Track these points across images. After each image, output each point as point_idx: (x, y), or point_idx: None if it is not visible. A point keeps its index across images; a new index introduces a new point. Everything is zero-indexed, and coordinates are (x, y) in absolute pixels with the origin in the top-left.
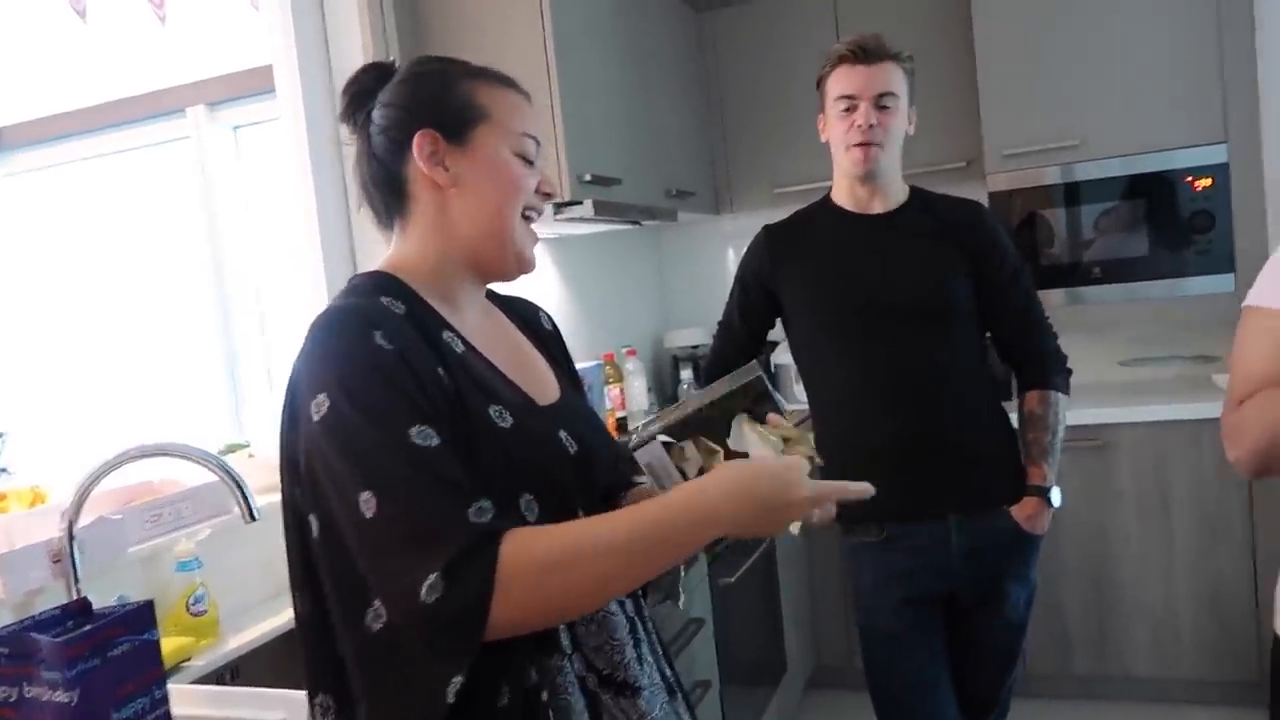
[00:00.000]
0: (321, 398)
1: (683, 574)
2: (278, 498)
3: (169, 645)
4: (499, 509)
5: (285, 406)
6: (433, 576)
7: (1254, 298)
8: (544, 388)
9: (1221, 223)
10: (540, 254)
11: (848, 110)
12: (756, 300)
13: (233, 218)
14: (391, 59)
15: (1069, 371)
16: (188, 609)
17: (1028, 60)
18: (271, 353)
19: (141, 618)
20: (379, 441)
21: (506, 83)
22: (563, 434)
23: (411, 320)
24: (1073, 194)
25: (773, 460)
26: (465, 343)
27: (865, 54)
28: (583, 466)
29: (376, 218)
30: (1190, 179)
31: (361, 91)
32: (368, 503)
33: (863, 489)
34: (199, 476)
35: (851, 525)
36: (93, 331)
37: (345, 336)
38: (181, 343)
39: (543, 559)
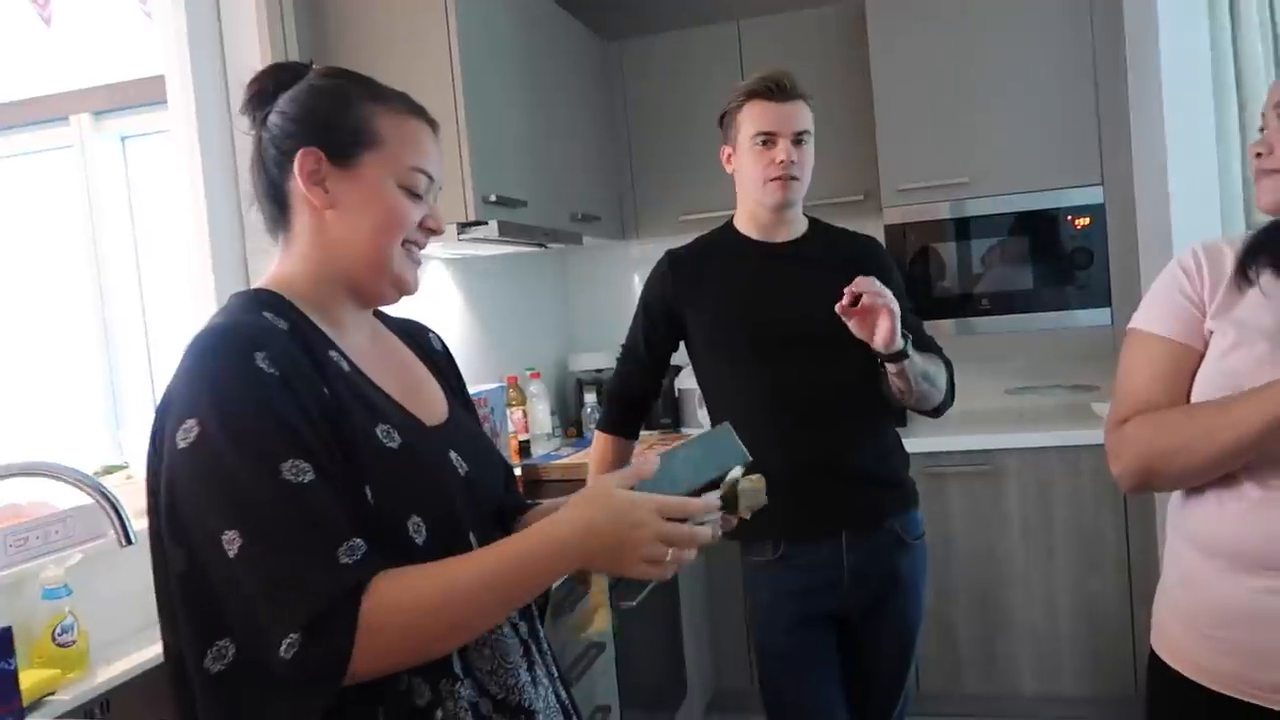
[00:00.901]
0: (191, 423)
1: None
2: None
3: (32, 677)
4: (383, 535)
5: (154, 429)
6: (292, 635)
7: (1137, 321)
8: (433, 408)
9: (1099, 259)
10: (444, 274)
11: (766, 145)
12: (660, 324)
13: (118, 231)
14: (308, 61)
15: (952, 387)
16: (54, 639)
17: (922, 100)
18: (155, 372)
19: None
20: (249, 475)
21: (412, 111)
22: (453, 455)
23: (295, 337)
24: (963, 229)
25: (622, 497)
26: (351, 363)
27: (782, 91)
28: (472, 488)
29: (266, 226)
30: (1071, 218)
31: (263, 91)
32: (231, 542)
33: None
34: (72, 499)
35: (748, 544)
36: None
37: (223, 358)
38: (60, 359)
39: (408, 610)
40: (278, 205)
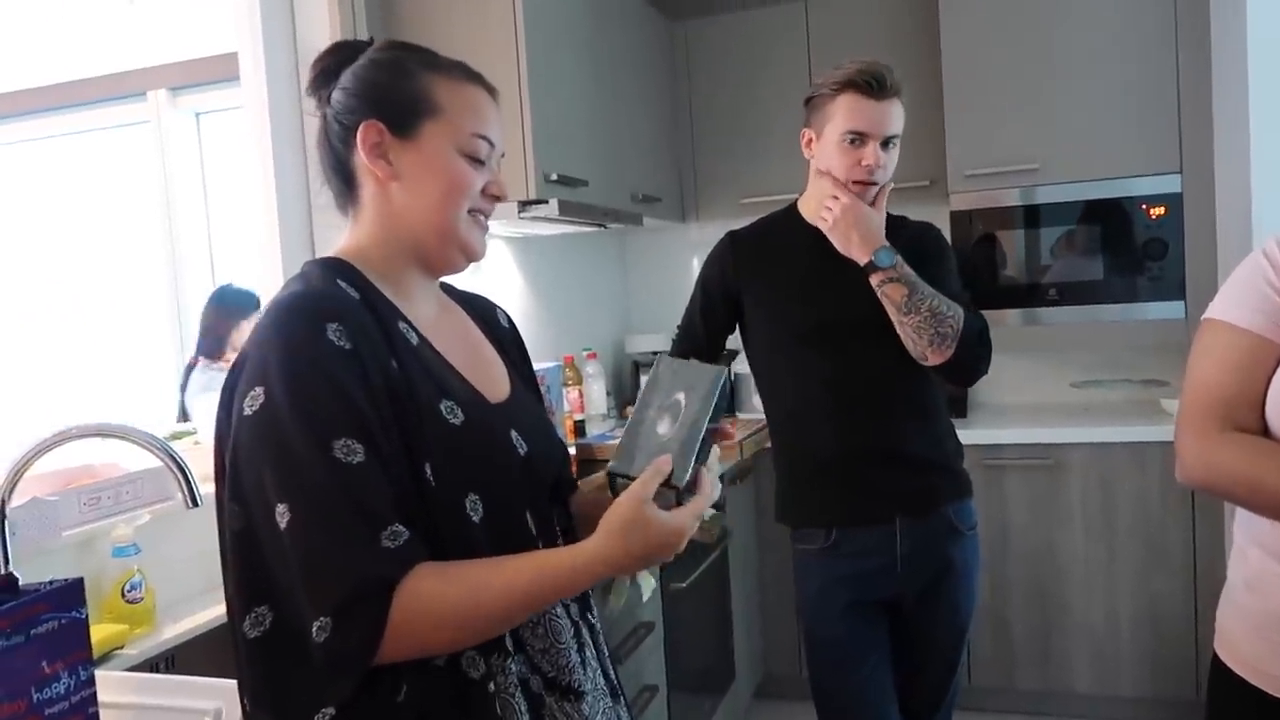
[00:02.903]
0: (258, 391)
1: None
2: None
3: (102, 632)
4: (440, 513)
5: (224, 391)
6: (323, 619)
7: (1215, 311)
8: (496, 385)
9: (1174, 251)
10: (504, 253)
11: (854, 144)
12: (717, 305)
13: (191, 205)
14: (369, 38)
15: (982, 344)
16: (123, 595)
17: (993, 83)
18: None
19: (69, 595)
20: (303, 451)
21: (469, 77)
22: (513, 433)
23: (366, 307)
24: (1032, 216)
25: (658, 527)
26: (419, 334)
27: (882, 88)
28: (531, 467)
29: (335, 202)
30: (1145, 207)
31: (327, 70)
32: (282, 515)
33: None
34: (141, 462)
35: (798, 532)
36: (46, 314)
37: (296, 328)
38: (135, 330)
39: (437, 613)
40: (344, 180)
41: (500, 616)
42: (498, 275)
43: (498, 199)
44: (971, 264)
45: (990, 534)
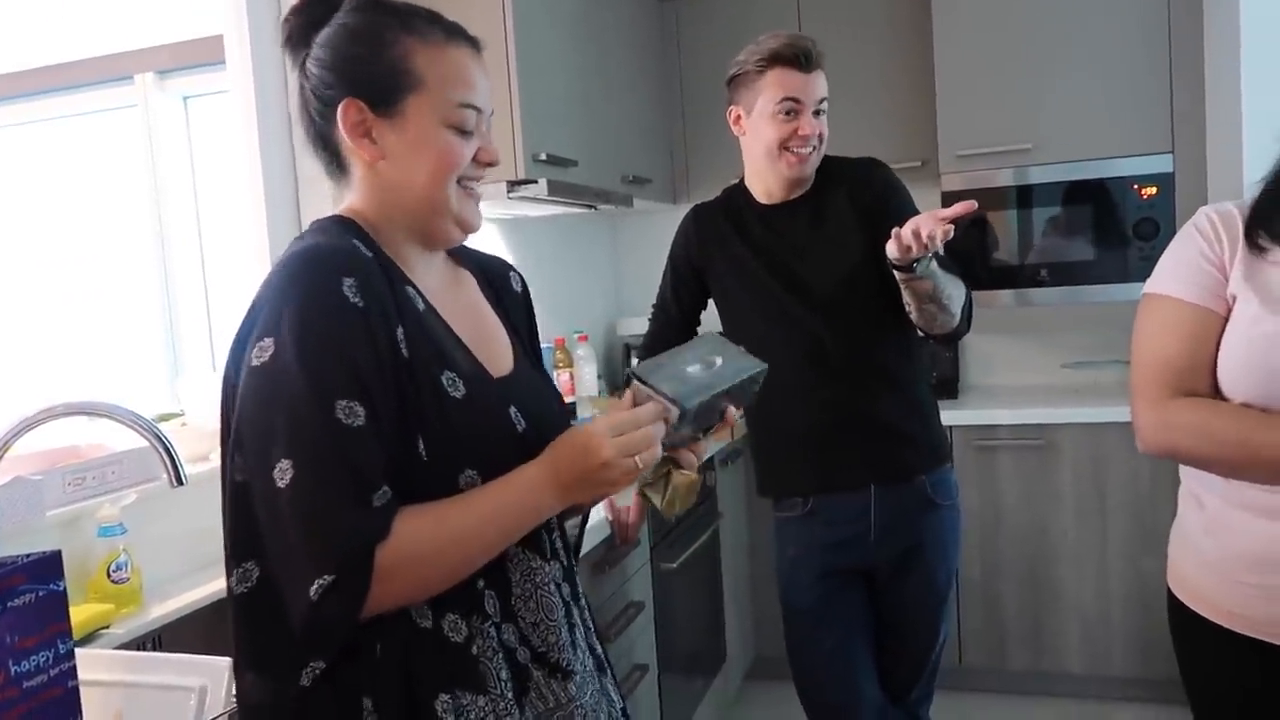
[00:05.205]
0: (268, 343)
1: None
2: (208, 467)
3: (87, 611)
4: (434, 485)
5: (236, 338)
6: (326, 578)
7: (1156, 286)
8: (500, 359)
9: (1165, 231)
10: (494, 234)
11: (790, 115)
12: (687, 280)
13: (179, 189)
14: None
15: (969, 312)
16: (109, 575)
17: (985, 62)
18: (214, 325)
19: (47, 567)
20: (308, 408)
21: (449, 36)
22: (513, 410)
23: (379, 266)
24: (1023, 197)
25: (573, 432)
26: (425, 301)
27: (809, 60)
28: (527, 444)
29: (325, 170)
30: (1137, 187)
31: (296, 32)
32: (284, 472)
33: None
34: (127, 442)
35: (780, 501)
36: (35, 298)
37: (313, 281)
38: (122, 312)
39: (417, 556)
40: (330, 153)
41: (475, 550)
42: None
43: (489, 164)
44: (963, 244)
45: (981, 514)
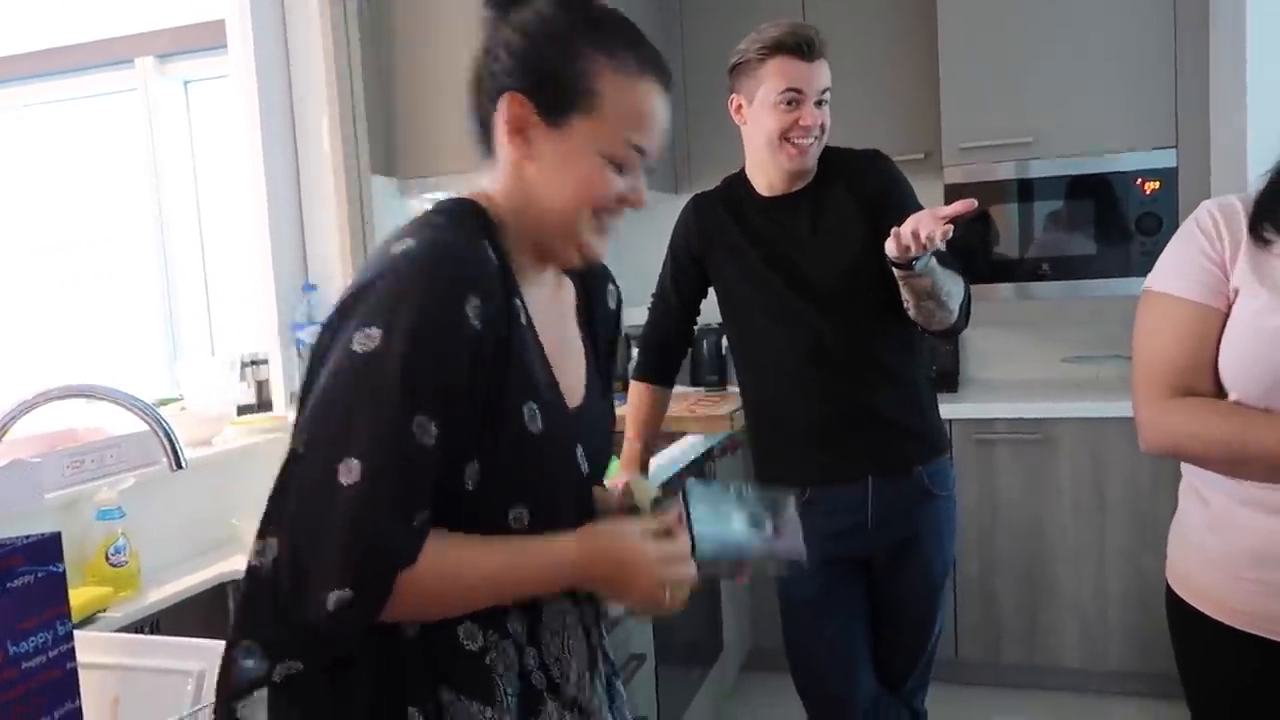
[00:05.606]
0: (377, 333)
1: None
2: (206, 452)
3: (86, 594)
4: (481, 517)
5: (340, 307)
6: (346, 592)
7: (1156, 283)
8: (576, 384)
9: (1168, 226)
10: None
11: (791, 105)
12: (686, 270)
13: (180, 173)
14: None
15: (967, 308)
16: (107, 559)
17: (989, 55)
18: (213, 310)
19: (46, 549)
20: (395, 417)
21: (643, 67)
22: (579, 451)
23: (500, 278)
24: (1025, 190)
25: (627, 542)
26: (528, 314)
27: (810, 50)
28: (584, 487)
29: (473, 139)
30: (1140, 181)
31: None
32: (350, 470)
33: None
34: (126, 426)
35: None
36: (36, 282)
37: (440, 290)
38: (121, 296)
39: (434, 590)
40: (484, 129)
41: (485, 597)
42: None
43: (633, 207)
44: (964, 238)
45: (979, 509)
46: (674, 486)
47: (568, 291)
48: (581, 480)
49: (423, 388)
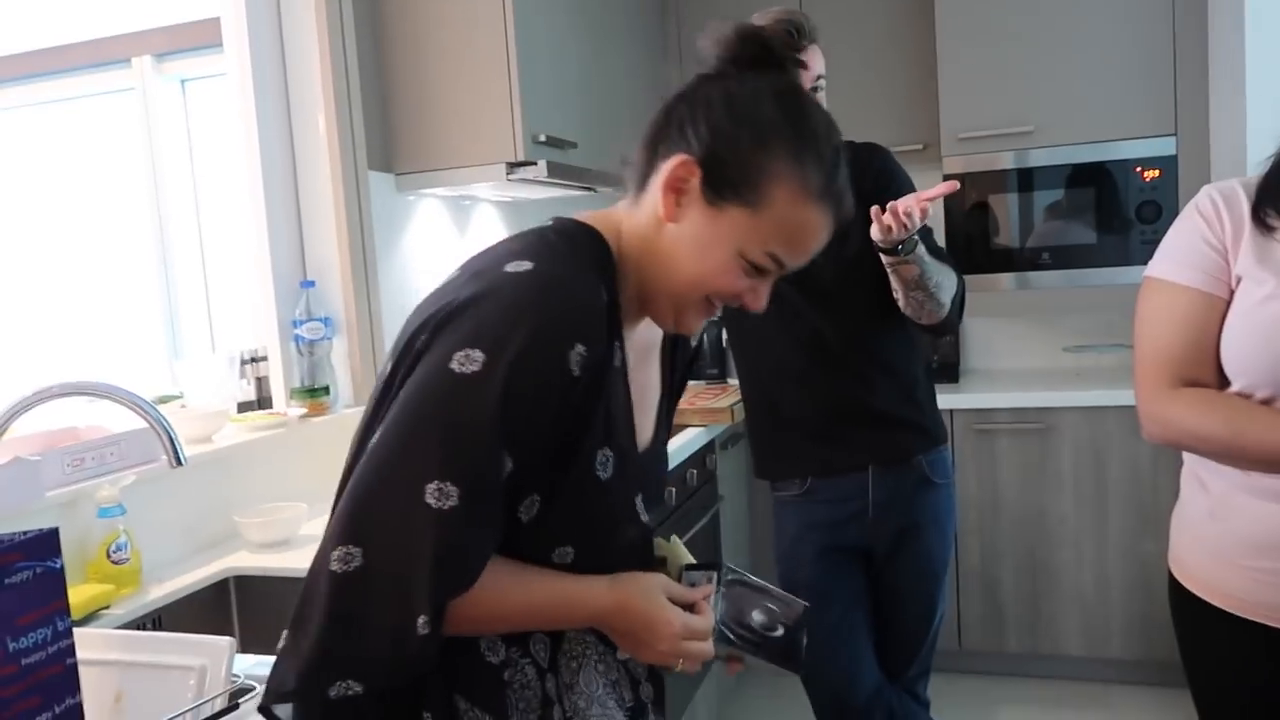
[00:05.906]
0: (480, 357)
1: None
2: (207, 449)
3: (87, 591)
4: (526, 550)
5: (440, 314)
6: (430, 616)
7: (1157, 270)
8: (647, 426)
9: (1168, 214)
10: (493, 217)
11: None
12: None
13: (178, 172)
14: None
15: (961, 302)
16: (108, 556)
17: (987, 44)
18: (212, 308)
19: (44, 545)
20: (490, 441)
21: (824, 195)
22: (639, 502)
23: (607, 316)
24: (1025, 180)
25: (655, 604)
26: (623, 358)
27: (800, 34)
28: (645, 532)
29: (628, 170)
30: (1140, 169)
31: (732, 57)
32: (446, 495)
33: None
34: (126, 423)
35: (778, 484)
36: (34, 281)
37: (552, 330)
38: (121, 295)
39: (470, 614)
40: (648, 166)
41: (516, 625)
42: (485, 241)
43: (746, 309)
44: (964, 228)
45: (981, 498)
46: (703, 550)
47: (655, 335)
48: (640, 527)
49: (514, 424)
